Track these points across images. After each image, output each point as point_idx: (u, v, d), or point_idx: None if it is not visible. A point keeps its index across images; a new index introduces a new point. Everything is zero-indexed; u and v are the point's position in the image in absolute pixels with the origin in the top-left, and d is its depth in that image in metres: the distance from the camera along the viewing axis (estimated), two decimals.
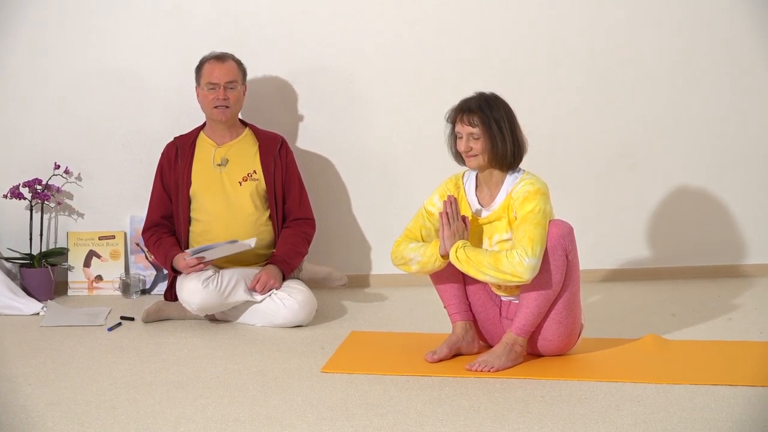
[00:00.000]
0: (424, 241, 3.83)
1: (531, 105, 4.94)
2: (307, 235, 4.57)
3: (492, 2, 5.01)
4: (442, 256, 3.71)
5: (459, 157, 3.80)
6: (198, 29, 4.96)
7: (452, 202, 3.70)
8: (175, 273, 4.42)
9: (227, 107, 4.50)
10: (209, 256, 4.31)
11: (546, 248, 3.62)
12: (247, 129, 4.63)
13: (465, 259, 3.63)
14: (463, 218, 3.73)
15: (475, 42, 5.03)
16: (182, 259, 4.35)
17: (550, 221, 3.66)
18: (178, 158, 4.57)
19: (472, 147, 3.71)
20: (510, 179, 3.75)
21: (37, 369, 3.76)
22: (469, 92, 3.79)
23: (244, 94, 4.59)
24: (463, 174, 3.88)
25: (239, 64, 4.56)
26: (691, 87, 5.12)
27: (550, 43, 5.05)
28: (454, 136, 3.79)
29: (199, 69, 4.55)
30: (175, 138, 4.65)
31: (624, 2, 5.04)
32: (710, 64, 5.11)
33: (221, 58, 4.53)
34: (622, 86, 5.09)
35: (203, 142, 4.59)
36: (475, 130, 3.70)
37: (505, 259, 3.59)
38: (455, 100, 3.80)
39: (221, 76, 4.49)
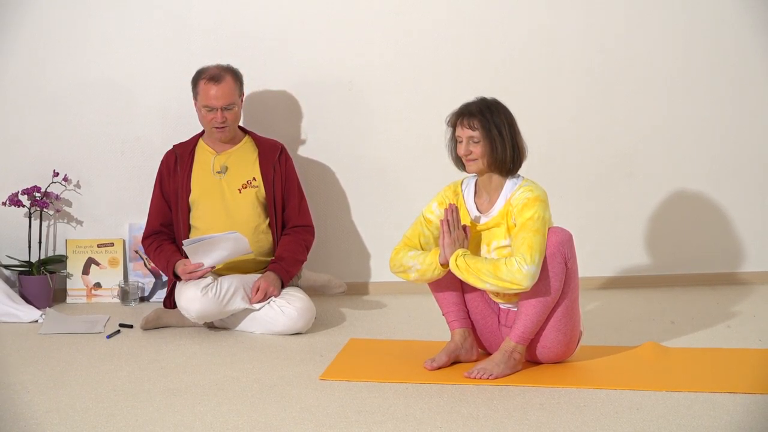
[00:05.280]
0: (422, 249, 3.83)
1: (529, 113, 4.93)
2: (306, 243, 4.57)
3: (490, 11, 5.02)
4: (441, 265, 3.71)
5: (459, 162, 3.80)
6: (196, 38, 4.97)
7: (453, 211, 3.71)
8: (176, 278, 4.42)
9: (226, 127, 4.50)
10: (208, 260, 4.30)
11: (545, 256, 3.62)
12: (247, 136, 4.63)
13: (465, 267, 3.63)
14: (464, 227, 3.73)
15: (473, 50, 5.03)
16: (182, 265, 4.35)
17: (549, 228, 3.67)
18: (177, 166, 4.57)
19: (472, 151, 3.72)
20: (509, 185, 3.75)
21: (35, 376, 3.76)
22: (467, 100, 3.79)
23: (241, 104, 4.58)
24: (462, 181, 3.88)
25: (235, 77, 4.51)
26: (689, 95, 5.12)
27: (548, 51, 5.06)
28: (454, 140, 3.79)
29: (195, 84, 4.50)
30: (174, 146, 4.65)
31: (622, 11, 5.05)
32: (708, 73, 5.11)
33: (216, 78, 4.45)
34: (620, 94, 5.10)
35: (202, 150, 4.59)
36: (475, 134, 3.71)
37: (504, 266, 3.59)
38: (453, 108, 3.80)
39: (218, 99, 4.44)
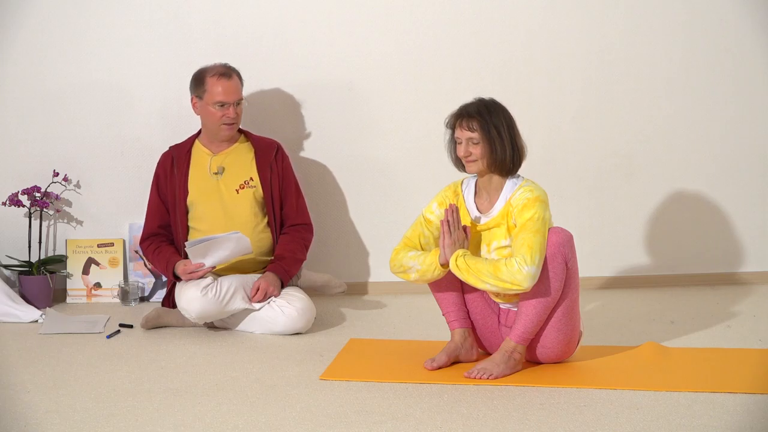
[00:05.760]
0: (422, 249, 3.83)
1: (529, 113, 4.95)
2: (305, 241, 4.57)
3: (490, 11, 5.02)
4: (441, 266, 3.71)
5: (458, 163, 3.80)
6: (196, 38, 4.97)
7: (454, 211, 3.70)
8: (176, 279, 4.42)
9: (235, 123, 4.50)
10: (209, 261, 4.30)
11: (546, 256, 3.62)
12: (242, 136, 4.63)
13: (465, 268, 3.63)
14: (464, 228, 3.73)
15: (472, 50, 5.03)
16: (183, 265, 4.35)
17: (549, 229, 3.67)
18: (174, 168, 4.56)
19: (472, 152, 3.72)
20: (509, 185, 3.75)
21: (35, 376, 3.76)
22: (467, 100, 3.80)
23: None
24: (462, 181, 3.88)
25: (239, 75, 4.55)
26: (689, 96, 5.12)
27: (548, 51, 5.06)
28: (453, 142, 3.79)
29: (201, 82, 4.49)
30: (170, 147, 4.64)
31: (622, 10, 5.05)
32: (709, 73, 5.11)
33: (227, 74, 4.47)
34: (620, 95, 5.10)
35: (199, 151, 4.59)
36: (475, 135, 3.71)
37: (504, 267, 3.58)
38: (453, 108, 3.80)
39: (231, 94, 4.46)
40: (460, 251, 3.67)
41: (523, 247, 3.60)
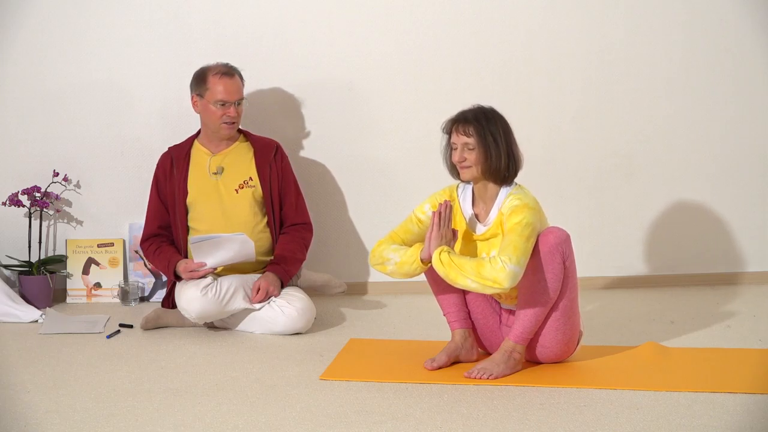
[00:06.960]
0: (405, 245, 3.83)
1: (529, 113, 4.95)
2: (305, 241, 4.57)
3: (490, 11, 5.02)
4: (422, 260, 3.69)
5: (453, 170, 3.79)
6: (196, 38, 4.97)
7: (447, 207, 3.69)
8: (177, 278, 4.42)
9: (235, 122, 4.50)
10: (211, 261, 4.30)
11: (543, 255, 3.61)
12: (242, 135, 4.63)
13: (448, 263, 3.61)
14: (453, 230, 3.71)
15: (472, 51, 5.03)
16: (184, 264, 4.36)
17: (546, 228, 3.66)
18: (173, 168, 4.56)
19: (466, 158, 3.70)
20: (503, 194, 3.73)
21: (35, 376, 3.76)
22: (466, 101, 3.80)
23: None
24: (458, 185, 3.87)
25: (241, 75, 4.55)
26: (689, 96, 5.12)
27: (548, 52, 5.06)
28: (449, 148, 3.78)
29: (202, 80, 4.49)
30: (169, 148, 4.64)
31: (622, 10, 5.05)
32: (709, 73, 5.11)
33: (229, 73, 4.48)
34: (620, 95, 5.10)
35: (198, 152, 4.59)
36: (470, 141, 3.70)
37: (488, 264, 3.56)
38: (453, 109, 3.80)
39: (232, 93, 4.46)
40: (444, 247, 3.64)
41: (508, 247, 3.58)
